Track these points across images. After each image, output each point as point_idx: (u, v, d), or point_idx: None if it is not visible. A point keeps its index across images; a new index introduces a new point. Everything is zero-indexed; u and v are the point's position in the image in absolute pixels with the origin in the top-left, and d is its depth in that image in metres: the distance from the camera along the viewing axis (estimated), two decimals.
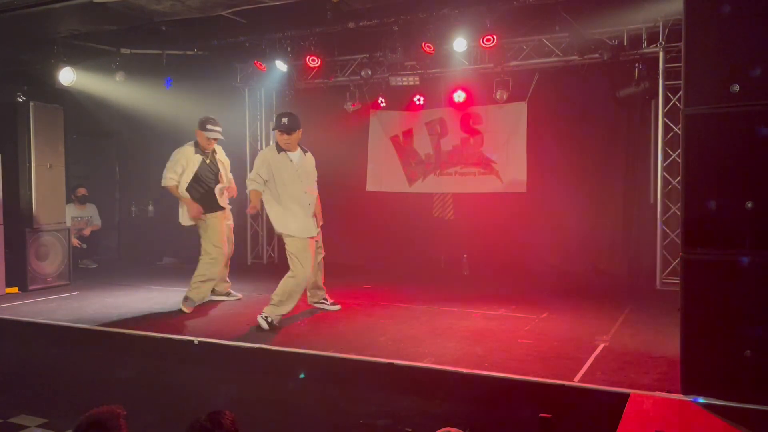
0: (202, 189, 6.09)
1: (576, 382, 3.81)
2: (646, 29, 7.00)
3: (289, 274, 5.34)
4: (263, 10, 5.96)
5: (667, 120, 7.05)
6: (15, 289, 7.12)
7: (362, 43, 7.93)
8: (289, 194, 5.37)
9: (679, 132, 5.93)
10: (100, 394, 4.40)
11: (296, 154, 5.50)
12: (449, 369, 4.12)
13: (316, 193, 5.60)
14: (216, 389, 4.50)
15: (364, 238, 8.83)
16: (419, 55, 7.55)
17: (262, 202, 5.49)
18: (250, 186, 5.41)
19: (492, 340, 4.83)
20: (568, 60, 7.39)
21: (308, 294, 5.93)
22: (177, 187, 6.01)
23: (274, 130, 5.50)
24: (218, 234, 6.10)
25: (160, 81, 8.29)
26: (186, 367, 4.84)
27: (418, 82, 7.96)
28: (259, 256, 9.58)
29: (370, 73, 7.99)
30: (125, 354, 5.11)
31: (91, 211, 9.42)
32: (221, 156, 6.30)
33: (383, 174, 8.97)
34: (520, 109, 8.06)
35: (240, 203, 7.68)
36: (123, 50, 8.06)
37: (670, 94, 7.02)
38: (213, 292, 6.55)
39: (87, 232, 9.21)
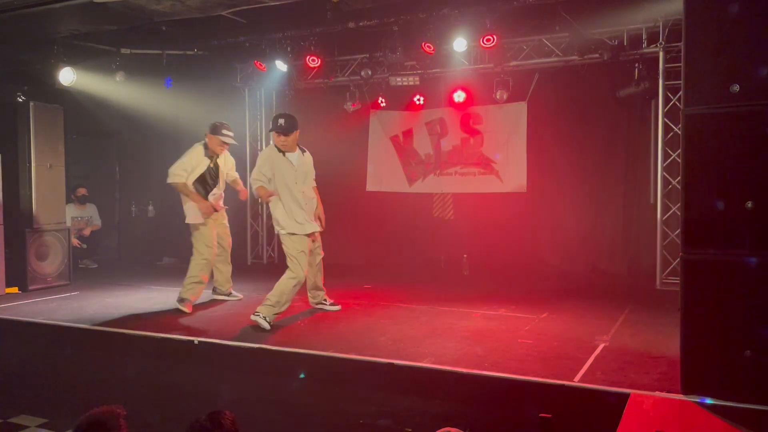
0: (203, 191, 6.11)
1: (576, 382, 3.80)
2: (646, 29, 7.00)
3: (289, 275, 5.35)
4: (263, 10, 5.96)
5: (667, 120, 7.05)
6: (15, 289, 7.11)
7: (362, 43, 7.93)
8: (289, 194, 5.41)
9: (679, 132, 5.93)
10: (100, 394, 4.40)
11: (295, 155, 5.51)
12: (449, 369, 4.12)
13: (312, 193, 5.61)
14: (216, 389, 4.50)
15: (364, 238, 8.83)
16: (419, 55, 7.55)
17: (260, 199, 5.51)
18: (255, 184, 5.43)
19: (492, 340, 4.83)
20: (568, 60, 7.39)
21: (309, 295, 5.94)
22: (185, 184, 6.00)
23: (270, 131, 5.50)
24: (210, 235, 6.13)
25: (160, 81, 8.29)
26: (186, 367, 4.83)
27: (418, 82, 7.96)
28: (259, 256, 9.58)
29: (370, 73, 8.00)
30: (125, 354, 5.11)
31: (91, 211, 9.42)
32: (225, 157, 6.30)
33: (383, 174, 8.97)
34: (520, 109, 8.06)
35: (239, 204, 7.68)
36: (123, 50, 8.06)
37: (670, 94, 7.02)
38: (215, 291, 6.57)
39: (87, 232, 9.21)
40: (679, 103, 5.90)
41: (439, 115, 8.62)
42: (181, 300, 6.01)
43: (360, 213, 8.81)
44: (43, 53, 7.38)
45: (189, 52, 8.32)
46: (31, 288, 7.19)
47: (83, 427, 2.22)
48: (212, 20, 6.56)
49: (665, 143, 7.07)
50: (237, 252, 9.04)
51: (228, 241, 6.47)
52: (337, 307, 5.93)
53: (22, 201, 7.29)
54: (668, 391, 3.55)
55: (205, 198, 6.11)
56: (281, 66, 8.06)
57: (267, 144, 9.55)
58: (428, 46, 7.29)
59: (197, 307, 6.14)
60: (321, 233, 5.76)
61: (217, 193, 6.22)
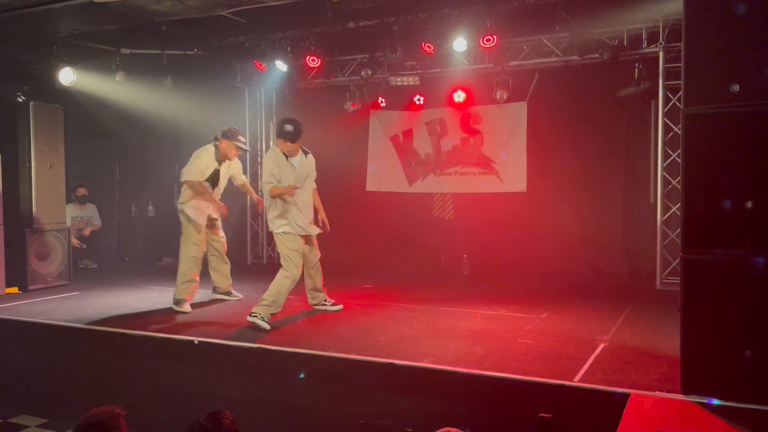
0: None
1: (576, 382, 3.80)
2: (646, 29, 7.00)
3: (283, 273, 5.35)
4: (263, 10, 5.96)
5: (667, 120, 7.05)
6: (15, 289, 7.11)
7: (362, 43, 7.92)
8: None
9: (679, 132, 5.92)
10: (100, 394, 4.40)
11: (297, 159, 5.53)
12: (449, 369, 4.11)
13: (311, 197, 5.61)
14: (216, 389, 4.50)
15: (364, 238, 8.83)
16: (419, 55, 7.55)
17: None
18: (267, 187, 5.37)
19: (492, 340, 4.83)
20: (568, 60, 7.39)
21: (308, 296, 5.94)
22: (201, 183, 6.03)
23: (278, 138, 5.46)
24: (199, 234, 6.15)
25: (160, 81, 8.29)
26: (186, 367, 4.83)
27: (418, 82, 7.96)
28: (259, 256, 9.58)
29: (370, 73, 8.00)
30: (125, 354, 5.11)
31: (91, 211, 9.42)
32: (230, 162, 6.31)
33: (383, 174, 8.97)
34: (520, 109, 8.06)
35: (239, 204, 7.68)
36: (123, 50, 8.06)
37: (670, 94, 7.02)
38: (215, 290, 6.57)
39: (87, 232, 9.21)
40: (679, 103, 5.89)
41: (439, 115, 8.61)
42: (177, 302, 6.01)
43: (360, 213, 8.80)
44: (43, 53, 7.38)
45: (189, 52, 8.32)
46: (31, 288, 7.18)
47: (83, 427, 2.22)
48: (212, 20, 6.56)
49: (665, 143, 7.07)
50: (237, 252, 9.06)
51: (222, 242, 6.46)
52: (339, 307, 5.92)
53: (22, 201, 7.29)
54: (668, 391, 3.55)
55: (200, 202, 6.13)
56: (281, 66, 8.06)
57: (267, 144, 9.55)
58: (428, 46, 7.29)
59: (197, 307, 6.14)
60: (321, 233, 5.77)
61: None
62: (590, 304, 6.05)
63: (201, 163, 6.07)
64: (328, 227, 5.75)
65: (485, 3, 6.79)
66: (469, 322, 5.45)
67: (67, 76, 7.47)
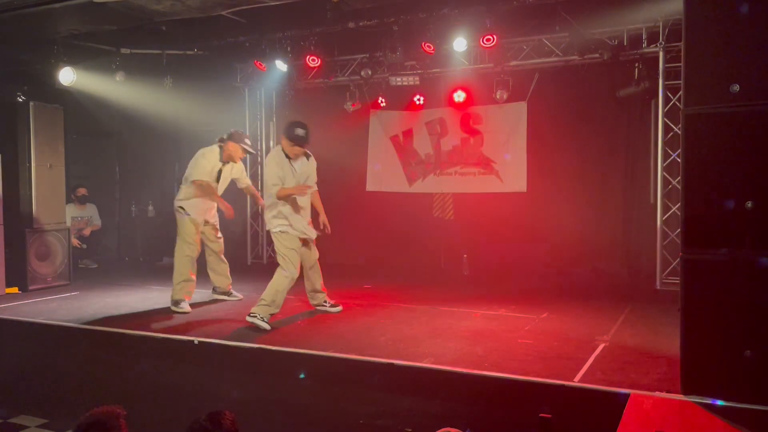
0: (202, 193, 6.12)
1: (576, 382, 3.80)
2: (646, 29, 7.00)
3: (281, 273, 5.35)
4: (263, 10, 5.96)
5: (667, 120, 7.05)
6: (15, 289, 7.11)
7: (362, 43, 7.93)
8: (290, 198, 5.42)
9: (679, 132, 5.92)
10: (100, 394, 4.40)
11: (298, 162, 5.53)
12: (449, 369, 4.11)
13: (308, 201, 5.61)
14: (216, 389, 4.50)
15: (364, 238, 8.83)
16: (419, 55, 7.55)
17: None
18: (274, 189, 5.35)
19: (492, 340, 4.83)
20: (568, 60, 7.39)
21: (308, 297, 5.94)
22: (209, 183, 6.05)
23: (290, 140, 5.42)
24: (195, 233, 6.15)
25: (160, 81, 8.29)
26: (186, 367, 4.83)
27: (418, 82, 7.96)
28: (259, 256, 9.58)
29: (370, 73, 8.00)
30: (125, 354, 5.11)
31: (91, 211, 9.42)
32: (233, 164, 6.32)
33: (383, 174, 8.97)
34: (520, 109, 8.06)
35: (238, 204, 7.68)
36: (123, 50, 8.06)
37: (670, 94, 7.02)
38: (215, 290, 6.57)
39: (87, 232, 9.21)
40: (679, 103, 5.89)
41: (439, 115, 8.61)
42: (175, 302, 6.01)
43: (360, 213, 8.81)
44: (43, 53, 7.38)
45: (189, 52, 8.33)
46: (31, 288, 7.18)
47: (83, 427, 2.22)
48: (212, 20, 6.56)
49: (665, 143, 7.07)
50: (237, 252, 9.08)
51: (219, 243, 6.47)
52: (339, 308, 5.92)
53: (22, 201, 7.29)
54: (668, 391, 3.55)
55: (202, 202, 6.14)
56: (281, 66, 8.06)
57: (267, 144, 9.55)
58: (428, 46, 7.29)
59: (197, 307, 6.14)
60: (322, 234, 5.77)
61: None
62: (590, 304, 6.05)
63: (207, 163, 6.08)
64: (329, 230, 5.75)
65: (485, 3, 6.79)
66: (469, 322, 5.45)
67: (67, 76, 7.47)
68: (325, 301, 5.92)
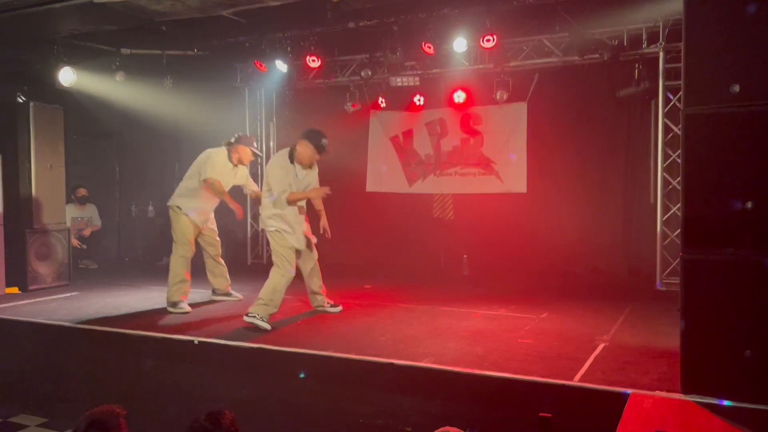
0: (207, 196, 6.12)
1: (576, 382, 3.80)
2: (646, 29, 7.00)
3: (277, 272, 5.35)
4: (263, 10, 5.97)
5: (667, 120, 7.05)
6: (15, 289, 7.11)
7: (362, 43, 7.93)
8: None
9: (679, 132, 5.92)
10: (100, 394, 4.40)
11: (303, 169, 5.53)
12: (449, 369, 4.11)
13: (302, 211, 5.61)
14: (216, 389, 4.50)
15: (364, 239, 8.83)
16: (419, 55, 7.55)
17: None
18: (285, 195, 5.33)
19: (492, 340, 4.83)
20: (568, 60, 7.39)
21: (310, 299, 5.93)
22: (220, 182, 6.03)
23: (316, 148, 5.42)
24: (191, 233, 6.14)
25: (160, 81, 8.29)
26: (186, 367, 4.83)
27: (418, 83, 7.96)
28: (259, 256, 9.58)
29: (370, 73, 8.00)
30: (125, 354, 5.11)
31: (91, 211, 9.42)
32: (239, 167, 6.34)
33: (383, 174, 8.97)
34: (520, 109, 8.06)
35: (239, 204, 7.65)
36: (123, 50, 8.06)
37: (670, 94, 7.02)
38: (214, 291, 6.57)
39: (87, 232, 9.21)
40: (679, 103, 5.90)
41: (439, 116, 8.62)
42: (173, 304, 5.99)
43: (360, 213, 8.81)
44: (43, 53, 7.38)
45: (189, 52, 8.33)
46: (31, 288, 7.18)
47: (83, 427, 2.22)
48: (212, 20, 6.56)
49: (665, 143, 7.07)
50: (237, 252, 9.09)
51: (217, 246, 6.47)
52: (339, 308, 5.91)
53: (22, 201, 7.29)
54: (668, 391, 3.55)
55: (205, 203, 6.14)
56: (281, 66, 8.06)
57: (267, 144, 9.55)
58: (428, 46, 7.29)
59: (196, 307, 6.14)
60: (311, 239, 5.77)
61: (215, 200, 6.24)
62: (590, 304, 6.05)
63: (216, 164, 6.07)
64: (329, 234, 5.74)
65: (485, 3, 6.79)
66: (469, 322, 5.45)
67: (67, 76, 7.47)
68: (325, 302, 5.91)
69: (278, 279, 5.33)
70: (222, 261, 6.51)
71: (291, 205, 5.38)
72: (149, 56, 8.26)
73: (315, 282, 5.82)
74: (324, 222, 5.73)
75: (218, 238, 6.48)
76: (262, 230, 8.69)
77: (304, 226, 5.59)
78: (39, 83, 7.60)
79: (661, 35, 6.86)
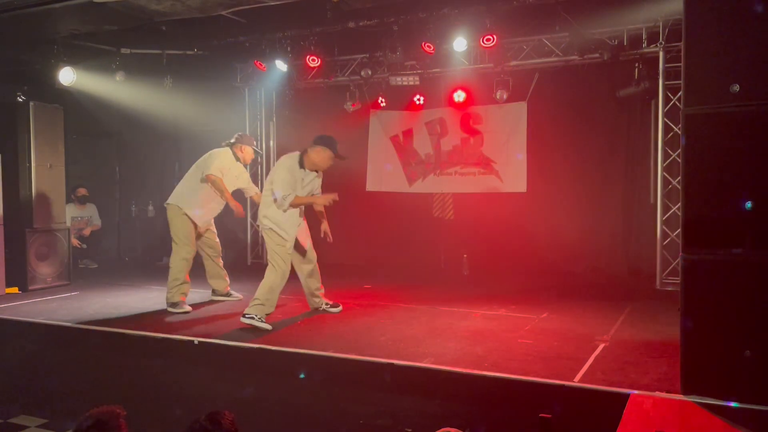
0: (213, 193, 6.12)
1: (576, 382, 3.80)
2: (646, 29, 7.00)
3: (272, 270, 5.34)
4: (263, 10, 5.96)
5: (667, 120, 7.05)
6: (15, 289, 7.11)
7: (362, 43, 7.93)
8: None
9: (679, 132, 5.92)
10: (100, 394, 4.40)
11: (310, 174, 5.54)
12: (449, 369, 4.11)
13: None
14: (216, 389, 4.50)
15: (364, 239, 8.83)
16: (419, 55, 7.55)
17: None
18: (290, 199, 5.32)
19: (492, 340, 4.83)
20: (568, 60, 7.39)
21: (308, 301, 5.93)
22: (222, 180, 6.04)
23: (329, 150, 5.46)
24: (191, 232, 6.14)
25: (160, 81, 8.29)
26: (186, 367, 4.83)
27: (418, 82, 7.96)
28: (259, 256, 9.57)
29: (370, 73, 8.00)
30: (125, 354, 5.11)
31: (91, 211, 9.42)
32: (242, 172, 6.38)
33: (383, 174, 8.98)
34: (520, 109, 8.06)
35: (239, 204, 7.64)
36: (123, 50, 8.06)
37: (670, 94, 7.02)
38: (214, 292, 6.57)
39: (87, 232, 9.21)
40: (679, 103, 5.89)
41: (439, 115, 8.62)
42: (173, 305, 5.99)
43: (360, 213, 8.80)
44: (43, 53, 7.38)
45: (189, 52, 8.32)
46: (31, 288, 7.18)
47: (83, 427, 2.22)
48: (212, 20, 6.55)
49: (665, 143, 7.07)
50: (237, 252, 9.08)
51: (216, 248, 6.46)
52: (339, 308, 5.90)
53: (22, 201, 7.29)
54: (668, 391, 3.55)
55: (214, 203, 6.16)
56: (281, 66, 8.06)
57: (267, 144, 9.55)
58: (428, 46, 7.29)
59: (197, 307, 6.14)
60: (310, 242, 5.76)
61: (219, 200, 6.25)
62: (590, 304, 6.05)
63: (220, 163, 6.07)
64: (330, 238, 5.73)
65: (485, 3, 6.79)
66: (469, 322, 5.45)
67: (67, 76, 7.47)
68: (325, 303, 5.91)
69: (274, 278, 5.33)
70: (221, 263, 6.50)
71: (294, 207, 5.39)
72: (149, 56, 8.26)
73: (314, 284, 5.81)
74: (325, 226, 5.73)
75: (218, 240, 6.48)
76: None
77: (301, 228, 5.58)
78: (39, 83, 7.59)
79: (661, 35, 6.86)
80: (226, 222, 6.51)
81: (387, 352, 4.46)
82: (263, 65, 8.19)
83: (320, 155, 5.45)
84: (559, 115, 7.90)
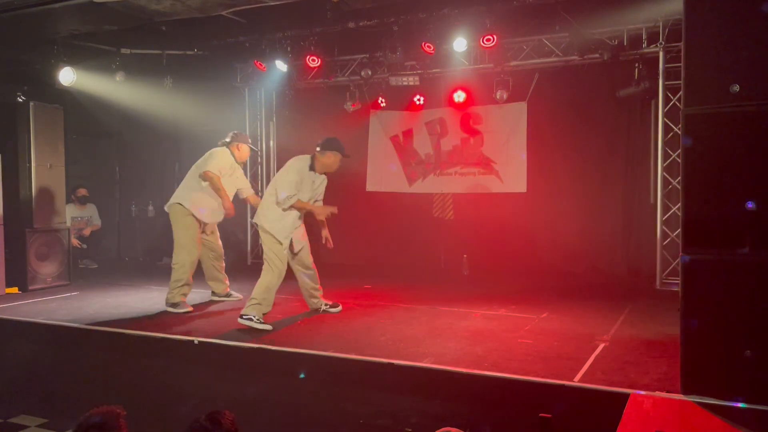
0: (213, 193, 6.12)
1: (576, 382, 3.80)
2: (646, 29, 7.00)
3: (269, 270, 5.34)
4: (263, 10, 5.96)
5: (667, 120, 7.05)
6: (15, 289, 7.11)
7: (362, 43, 7.93)
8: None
9: (679, 132, 5.92)
10: (100, 394, 4.40)
11: (319, 178, 5.58)
12: (449, 369, 4.11)
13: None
14: (216, 389, 4.50)
15: (364, 239, 8.83)
16: (419, 55, 7.55)
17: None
18: (291, 200, 5.32)
19: (492, 340, 4.83)
20: (568, 60, 7.39)
21: (307, 303, 5.92)
22: (220, 179, 6.04)
23: (342, 156, 5.52)
24: (196, 232, 6.13)
25: (160, 81, 8.29)
26: (186, 367, 4.83)
27: (418, 82, 7.96)
28: (259, 256, 9.53)
29: (370, 73, 8.00)
30: (125, 354, 5.11)
31: (91, 211, 9.42)
32: (240, 174, 6.39)
33: (383, 174, 8.97)
34: (520, 109, 8.06)
35: (238, 204, 7.65)
36: (123, 50, 8.06)
37: (670, 94, 7.02)
38: (213, 293, 6.57)
39: (87, 232, 9.21)
40: (679, 103, 5.89)
41: (439, 115, 8.62)
42: (174, 305, 5.98)
43: (360, 213, 8.79)
44: (43, 53, 7.38)
45: (189, 52, 8.33)
46: (31, 288, 7.18)
47: (83, 427, 2.22)
48: (212, 20, 6.55)
49: (665, 143, 7.07)
50: (237, 252, 9.08)
51: (218, 251, 6.46)
52: (339, 308, 5.90)
53: (22, 201, 7.29)
54: (668, 391, 3.55)
55: (213, 201, 6.15)
56: (281, 66, 8.06)
57: (267, 144, 9.55)
58: (428, 46, 7.29)
59: (197, 307, 6.15)
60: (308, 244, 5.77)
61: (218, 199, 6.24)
62: (590, 304, 6.05)
63: (219, 162, 6.07)
64: (331, 243, 5.72)
65: (485, 3, 6.79)
66: (469, 322, 5.45)
67: (67, 76, 7.47)
68: (324, 304, 5.90)
69: (270, 277, 5.33)
70: (222, 266, 6.49)
71: (294, 210, 5.39)
72: (149, 56, 8.27)
73: (312, 285, 5.80)
74: (326, 233, 5.72)
75: (220, 242, 6.48)
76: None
77: (298, 230, 5.57)
78: (39, 83, 7.59)
79: (661, 35, 6.86)
80: (226, 222, 6.50)
81: (387, 352, 4.46)
82: (263, 65, 8.19)
83: (331, 159, 5.51)
84: (559, 115, 7.90)
